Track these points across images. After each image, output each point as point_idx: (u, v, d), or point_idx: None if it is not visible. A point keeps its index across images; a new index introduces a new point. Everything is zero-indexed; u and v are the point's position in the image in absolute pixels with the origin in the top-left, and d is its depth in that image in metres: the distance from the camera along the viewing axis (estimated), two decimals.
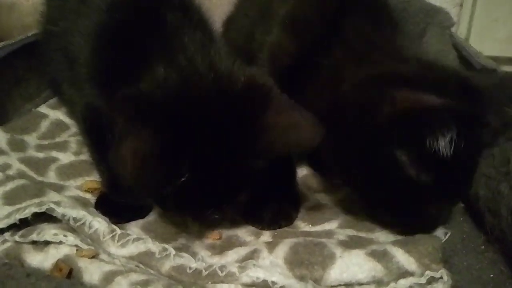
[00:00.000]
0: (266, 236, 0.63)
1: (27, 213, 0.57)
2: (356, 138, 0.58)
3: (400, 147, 0.54)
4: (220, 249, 0.60)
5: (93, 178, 0.74)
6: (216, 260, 0.57)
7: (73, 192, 0.70)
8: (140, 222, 0.65)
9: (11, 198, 0.62)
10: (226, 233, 0.63)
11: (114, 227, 0.58)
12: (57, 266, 0.53)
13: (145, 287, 0.49)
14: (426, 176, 0.53)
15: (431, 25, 0.99)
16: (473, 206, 0.62)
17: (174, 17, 0.60)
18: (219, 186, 0.53)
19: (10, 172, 0.73)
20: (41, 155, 0.81)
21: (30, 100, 0.97)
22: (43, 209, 0.58)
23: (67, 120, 0.93)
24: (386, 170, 0.55)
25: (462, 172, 0.56)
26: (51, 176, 0.76)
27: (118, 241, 0.56)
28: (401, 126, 0.53)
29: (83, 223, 0.58)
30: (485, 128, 0.57)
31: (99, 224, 0.58)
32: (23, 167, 0.75)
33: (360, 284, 0.52)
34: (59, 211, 0.58)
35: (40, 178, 0.74)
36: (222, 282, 0.51)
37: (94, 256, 0.56)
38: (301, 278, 0.52)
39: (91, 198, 0.69)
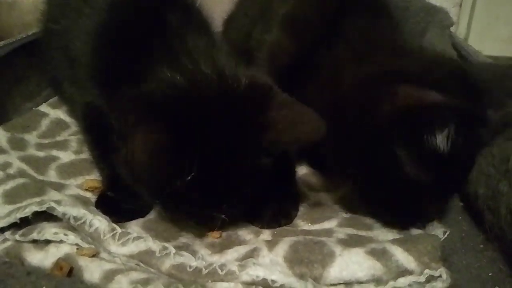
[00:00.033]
0: (266, 234, 0.63)
1: (27, 212, 0.58)
2: (356, 136, 0.58)
3: (400, 144, 0.54)
4: (220, 247, 0.60)
5: (94, 177, 0.74)
6: (216, 259, 0.57)
7: (74, 191, 0.71)
8: (140, 221, 0.65)
9: (12, 197, 0.62)
10: (226, 231, 0.63)
11: (115, 226, 0.58)
12: (58, 264, 0.54)
13: (145, 285, 0.49)
14: (424, 174, 0.54)
15: (431, 24, 0.99)
16: (472, 205, 0.63)
17: (175, 19, 0.61)
18: (226, 183, 0.54)
19: (11, 171, 0.73)
20: (41, 154, 0.81)
21: (31, 99, 0.97)
22: (43, 208, 0.58)
23: (67, 119, 0.93)
24: (386, 168, 0.56)
25: (460, 170, 0.56)
26: (52, 175, 0.76)
27: (118, 240, 0.56)
28: (400, 123, 0.53)
29: (84, 222, 0.58)
30: (484, 127, 0.57)
31: (100, 223, 0.58)
32: (24, 166, 0.76)
33: (360, 282, 0.52)
34: (59, 210, 0.58)
35: (40, 177, 0.74)
36: (222, 280, 0.51)
37: (95, 255, 0.56)
38: (301, 277, 0.52)
39: (92, 197, 0.69)
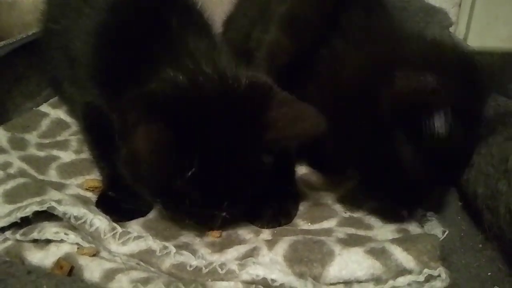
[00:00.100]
0: (266, 234, 0.63)
1: (28, 211, 0.58)
2: (357, 126, 0.58)
3: (399, 129, 0.54)
4: (220, 246, 0.60)
5: (94, 177, 0.74)
6: (216, 258, 0.57)
7: (74, 190, 0.71)
8: (140, 220, 0.66)
9: (12, 197, 0.62)
10: (226, 231, 0.64)
11: (115, 225, 0.59)
12: (58, 264, 0.54)
13: (145, 284, 0.50)
14: (425, 159, 0.54)
15: (430, 25, 0.99)
16: (471, 204, 0.63)
17: (176, 20, 0.61)
18: (226, 181, 0.54)
19: (11, 171, 0.73)
20: (42, 153, 0.81)
21: (31, 98, 0.97)
22: (44, 207, 0.58)
23: (68, 118, 0.93)
24: (388, 154, 0.56)
25: (459, 154, 0.56)
26: (52, 175, 0.76)
27: (119, 239, 0.57)
28: (398, 108, 0.54)
29: (84, 221, 0.58)
30: (483, 111, 0.58)
31: (100, 222, 0.58)
32: (24, 166, 0.76)
33: (359, 281, 0.52)
34: (60, 209, 0.58)
35: (41, 177, 0.74)
36: (222, 279, 0.51)
37: (95, 254, 0.56)
38: (301, 276, 0.52)
39: (92, 196, 0.70)
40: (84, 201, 0.65)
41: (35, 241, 0.57)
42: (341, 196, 0.73)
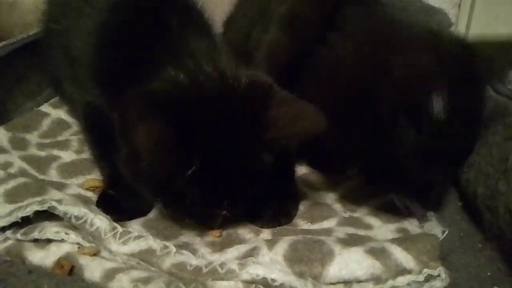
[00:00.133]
0: (266, 233, 0.63)
1: (28, 211, 0.58)
2: (357, 118, 0.58)
3: (400, 115, 0.54)
4: (220, 246, 0.60)
5: (94, 176, 0.74)
6: (216, 257, 0.57)
7: (75, 190, 0.71)
8: (141, 219, 0.66)
9: (13, 196, 0.63)
10: (226, 230, 0.64)
11: (116, 224, 0.59)
12: (59, 263, 0.54)
13: (146, 284, 0.50)
14: (425, 144, 0.54)
15: (431, 25, 0.99)
16: (471, 204, 0.63)
17: (177, 20, 0.61)
18: (227, 180, 0.55)
19: (12, 170, 0.73)
20: (42, 153, 0.81)
21: (32, 98, 0.97)
22: (44, 207, 0.58)
23: (68, 118, 0.93)
24: (389, 143, 0.56)
25: (459, 140, 0.56)
26: (53, 175, 0.76)
27: (119, 239, 0.57)
28: (397, 92, 0.54)
29: (85, 221, 0.58)
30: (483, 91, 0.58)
31: (101, 222, 0.58)
32: (25, 165, 0.76)
33: (359, 281, 0.52)
34: (60, 209, 0.58)
35: (41, 176, 0.75)
36: (222, 279, 0.51)
37: (96, 254, 0.56)
38: (301, 275, 0.52)
39: (93, 196, 0.70)
40: (84, 201, 0.65)
41: (35, 240, 0.57)
42: (341, 196, 0.73)
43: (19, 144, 0.82)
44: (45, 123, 0.91)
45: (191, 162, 0.52)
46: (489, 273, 0.55)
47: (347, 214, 0.69)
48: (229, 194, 0.56)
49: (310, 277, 0.52)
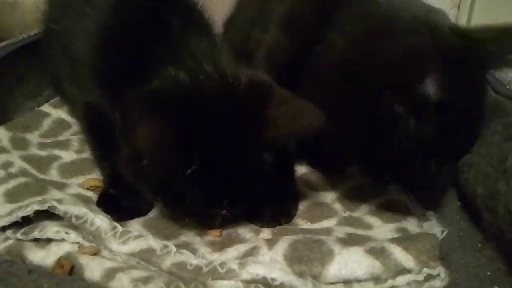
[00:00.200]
0: (266, 233, 0.63)
1: (29, 210, 0.58)
2: (357, 109, 0.58)
3: (395, 100, 0.54)
4: (220, 246, 0.60)
5: (95, 176, 0.75)
6: (216, 257, 0.57)
7: (75, 190, 0.71)
8: (141, 219, 0.66)
9: (13, 196, 0.63)
10: (226, 230, 0.64)
11: (116, 224, 0.59)
12: (59, 263, 0.54)
13: (146, 283, 0.50)
14: (424, 128, 0.54)
15: (430, 18, 0.99)
16: (471, 204, 0.63)
17: (177, 20, 0.61)
18: (227, 179, 0.55)
19: (12, 170, 0.73)
20: (43, 153, 0.82)
21: (32, 98, 0.97)
22: (45, 206, 0.58)
23: (69, 118, 0.94)
24: (387, 126, 0.56)
25: (459, 121, 0.56)
26: (53, 174, 0.76)
27: (119, 238, 0.57)
28: (391, 78, 0.54)
29: (85, 221, 0.58)
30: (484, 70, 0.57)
31: (101, 221, 0.58)
32: (25, 165, 0.76)
33: (359, 281, 0.52)
34: (61, 208, 0.58)
35: (42, 176, 0.75)
36: (222, 278, 0.51)
37: (96, 253, 0.56)
38: (301, 275, 0.52)
39: (93, 196, 0.70)
40: (85, 201, 0.65)
41: (36, 240, 0.57)
42: (340, 196, 0.73)
43: (19, 144, 0.82)
44: (46, 123, 0.91)
45: (191, 161, 0.52)
46: (488, 273, 0.55)
47: (347, 214, 0.69)
48: (229, 194, 0.56)
49: (310, 277, 0.52)
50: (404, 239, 0.56)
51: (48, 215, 0.59)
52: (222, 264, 0.53)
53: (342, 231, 0.63)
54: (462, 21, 1.23)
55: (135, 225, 0.64)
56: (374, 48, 0.57)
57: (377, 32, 0.61)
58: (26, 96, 0.97)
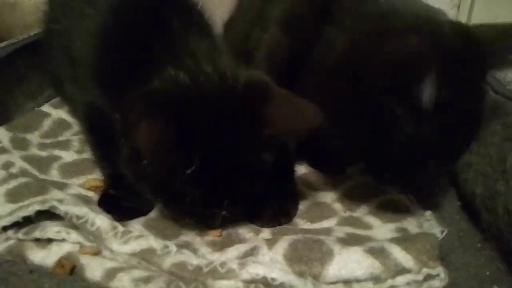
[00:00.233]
0: (266, 233, 0.64)
1: (30, 210, 0.58)
2: (357, 108, 0.59)
3: (394, 100, 0.54)
4: (220, 246, 0.60)
5: (95, 176, 0.74)
6: (216, 257, 0.57)
7: (76, 190, 0.71)
8: (142, 219, 0.66)
9: (14, 196, 0.63)
10: (226, 230, 0.64)
11: (117, 224, 0.59)
12: (60, 263, 0.54)
13: (146, 283, 0.50)
14: (423, 128, 0.54)
15: (430, 14, 0.99)
16: (470, 204, 0.63)
17: (177, 21, 0.62)
18: (227, 179, 0.55)
19: (13, 170, 0.73)
20: (43, 153, 0.82)
21: (33, 99, 0.97)
22: (46, 207, 0.58)
23: (69, 119, 0.94)
24: (387, 126, 0.56)
25: (459, 121, 0.56)
26: (54, 174, 0.76)
27: (120, 238, 0.57)
28: (389, 79, 0.54)
29: (86, 221, 0.58)
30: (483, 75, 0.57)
31: (102, 221, 0.58)
32: (26, 165, 0.76)
33: (358, 280, 0.52)
34: (62, 208, 0.58)
35: (42, 176, 0.75)
36: (223, 278, 0.52)
37: (97, 253, 0.57)
38: (301, 275, 0.52)
39: (94, 196, 0.70)
40: (85, 201, 0.65)
41: (37, 240, 0.57)
42: (340, 196, 0.73)
43: (20, 144, 0.82)
44: (46, 123, 0.91)
45: (191, 161, 0.52)
46: (488, 273, 0.55)
47: (346, 214, 0.69)
48: (229, 194, 0.56)
49: (310, 277, 0.52)
50: (404, 239, 0.56)
51: (49, 215, 0.59)
52: (222, 264, 0.53)
53: (342, 231, 0.63)
54: (462, 21, 1.23)
55: (136, 225, 0.64)
56: (374, 48, 0.58)
57: (377, 32, 0.61)
58: (27, 96, 0.97)
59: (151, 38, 0.60)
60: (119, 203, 0.65)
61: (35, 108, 0.95)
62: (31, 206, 0.58)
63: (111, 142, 0.61)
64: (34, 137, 0.87)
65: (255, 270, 0.51)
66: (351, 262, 0.52)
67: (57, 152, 0.83)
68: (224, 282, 0.51)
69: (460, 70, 0.55)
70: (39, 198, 0.61)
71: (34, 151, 0.82)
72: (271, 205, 0.66)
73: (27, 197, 0.62)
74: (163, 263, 0.55)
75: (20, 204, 0.60)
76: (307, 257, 0.54)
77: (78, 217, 0.58)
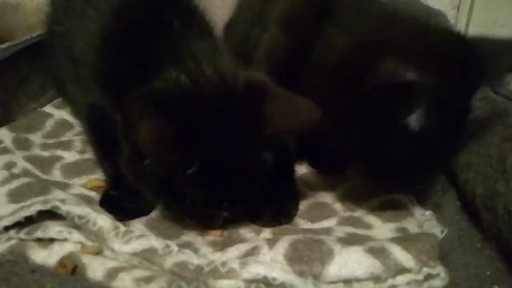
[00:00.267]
0: (267, 233, 0.64)
1: (32, 210, 0.58)
2: (355, 99, 0.59)
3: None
4: (221, 245, 0.60)
5: (97, 176, 0.75)
6: (217, 257, 0.58)
7: (78, 190, 0.71)
8: (143, 219, 0.66)
9: (16, 196, 0.63)
10: (227, 230, 0.64)
11: (118, 224, 0.59)
12: (62, 262, 0.54)
13: (148, 283, 0.50)
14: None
15: (429, 18, 0.99)
16: (470, 204, 0.63)
17: (179, 22, 0.62)
18: (227, 180, 0.55)
19: (15, 170, 0.74)
20: (46, 153, 0.82)
21: (35, 99, 0.98)
22: (48, 206, 0.58)
23: (71, 119, 0.94)
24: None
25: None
26: (56, 175, 0.77)
27: (122, 238, 0.57)
28: (379, 99, 0.55)
29: (88, 220, 0.58)
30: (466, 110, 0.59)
31: (103, 221, 0.58)
32: (28, 166, 0.76)
33: (359, 280, 0.52)
34: (64, 208, 0.58)
35: (45, 176, 0.75)
36: (224, 278, 0.52)
37: (98, 253, 0.57)
38: (301, 274, 0.52)
39: (95, 196, 0.70)
40: (87, 201, 0.65)
41: (38, 240, 0.58)
42: (340, 196, 0.73)
43: (22, 144, 0.83)
44: (48, 124, 0.92)
45: (191, 162, 0.52)
46: (488, 273, 0.55)
47: (347, 214, 0.69)
48: (229, 194, 0.57)
49: (310, 276, 0.52)
50: (404, 239, 0.56)
51: (50, 215, 0.59)
52: (223, 264, 0.53)
53: (342, 231, 0.63)
54: (462, 22, 1.23)
55: (137, 225, 0.64)
56: (374, 48, 0.58)
57: (377, 33, 0.62)
58: (29, 97, 0.97)
59: (152, 39, 0.60)
60: (120, 203, 0.66)
61: (38, 109, 0.96)
62: (33, 206, 0.58)
63: (112, 142, 0.61)
64: (36, 138, 0.87)
65: (256, 269, 0.51)
66: (351, 261, 0.53)
67: (59, 152, 0.83)
68: (225, 282, 0.51)
69: (460, 71, 0.56)
70: (41, 198, 0.61)
71: (37, 151, 0.83)
72: (272, 205, 0.66)
73: (29, 197, 0.62)
74: (164, 263, 0.55)
75: (22, 204, 0.61)
76: (308, 256, 0.54)
77: (80, 217, 0.58)
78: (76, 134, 0.90)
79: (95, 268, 0.53)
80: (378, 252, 0.53)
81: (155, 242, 0.57)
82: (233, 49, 0.74)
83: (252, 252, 0.57)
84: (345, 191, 0.74)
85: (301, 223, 0.67)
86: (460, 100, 0.57)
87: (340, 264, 0.53)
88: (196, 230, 0.64)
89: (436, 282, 0.52)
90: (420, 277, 0.51)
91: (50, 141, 0.87)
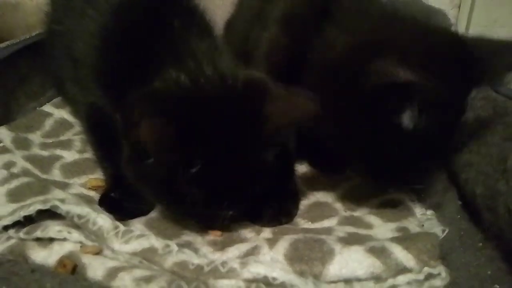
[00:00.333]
0: (267, 232, 0.64)
1: (31, 210, 0.58)
2: (355, 99, 0.59)
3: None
4: (221, 245, 0.60)
5: (97, 176, 0.75)
6: (217, 256, 0.57)
7: (77, 189, 0.71)
8: (143, 218, 0.66)
9: (16, 196, 0.63)
10: (227, 229, 0.64)
11: (118, 223, 0.59)
12: (61, 262, 0.54)
13: (148, 282, 0.50)
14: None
15: (428, 18, 0.99)
16: (471, 204, 0.63)
17: (179, 21, 0.62)
18: (227, 180, 0.55)
19: (15, 170, 0.74)
20: (45, 153, 0.82)
21: (35, 99, 0.98)
22: (47, 206, 0.58)
23: (71, 118, 0.94)
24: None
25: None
26: (56, 174, 0.77)
27: (121, 238, 0.57)
28: (374, 99, 0.56)
29: (87, 220, 0.58)
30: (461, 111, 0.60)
31: (103, 221, 0.58)
32: (28, 165, 0.76)
33: (359, 280, 0.52)
34: (63, 208, 0.58)
35: (44, 176, 0.75)
36: (224, 277, 0.52)
37: (98, 253, 0.57)
38: (301, 274, 0.52)
39: (95, 195, 0.70)
40: (87, 200, 0.65)
41: (38, 239, 0.57)
42: (341, 195, 0.73)
43: (22, 144, 0.83)
44: (48, 123, 0.92)
45: (191, 161, 0.52)
46: (489, 272, 0.55)
47: (347, 213, 0.69)
48: (229, 194, 0.56)
49: (310, 276, 0.52)
50: (404, 239, 0.56)
51: (50, 214, 0.59)
52: (223, 264, 0.53)
53: (342, 231, 0.63)
54: (463, 22, 1.23)
55: (137, 225, 0.64)
56: (374, 48, 0.58)
57: (377, 33, 0.62)
58: (29, 96, 0.97)
59: (152, 39, 0.60)
60: (120, 203, 0.66)
61: (37, 108, 0.96)
62: (33, 206, 0.58)
63: (112, 142, 0.61)
64: (36, 137, 0.87)
65: (256, 269, 0.51)
66: (352, 261, 0.52)
67: (58, 151, 0.83)
68: (225, 282, 0.51)
69: (460, 71, 0.56)
70: (41, 197, 0.61)
71: (36, 151, 0.83)
72: (272, 205, 0.66)
73: (28, 196, 0.62)
74: (164, 263, 0.55)
75: (22, 203, 0.61)
76: (308, 256, 0.54)
77: (80, 217, 0.58)
78: (75, 133, 0.90)
79: (95, 268, 0.53)
80: (378, 252, 0.53)
81: (155, 241, 0.57)
82: (233, 48, 0.74)
83: (252, 251, 0.57)
84: (345, 190, 0.74)
85: (302, 222, 0.67)
86: (459, 100, 0.57)
87: (341, 263, 0.52)
88: (196, 229, 0.64)
89: (437, 282, 0.52)
90: (421, 276, 0.51)
91: (50, 140, 0.87)
